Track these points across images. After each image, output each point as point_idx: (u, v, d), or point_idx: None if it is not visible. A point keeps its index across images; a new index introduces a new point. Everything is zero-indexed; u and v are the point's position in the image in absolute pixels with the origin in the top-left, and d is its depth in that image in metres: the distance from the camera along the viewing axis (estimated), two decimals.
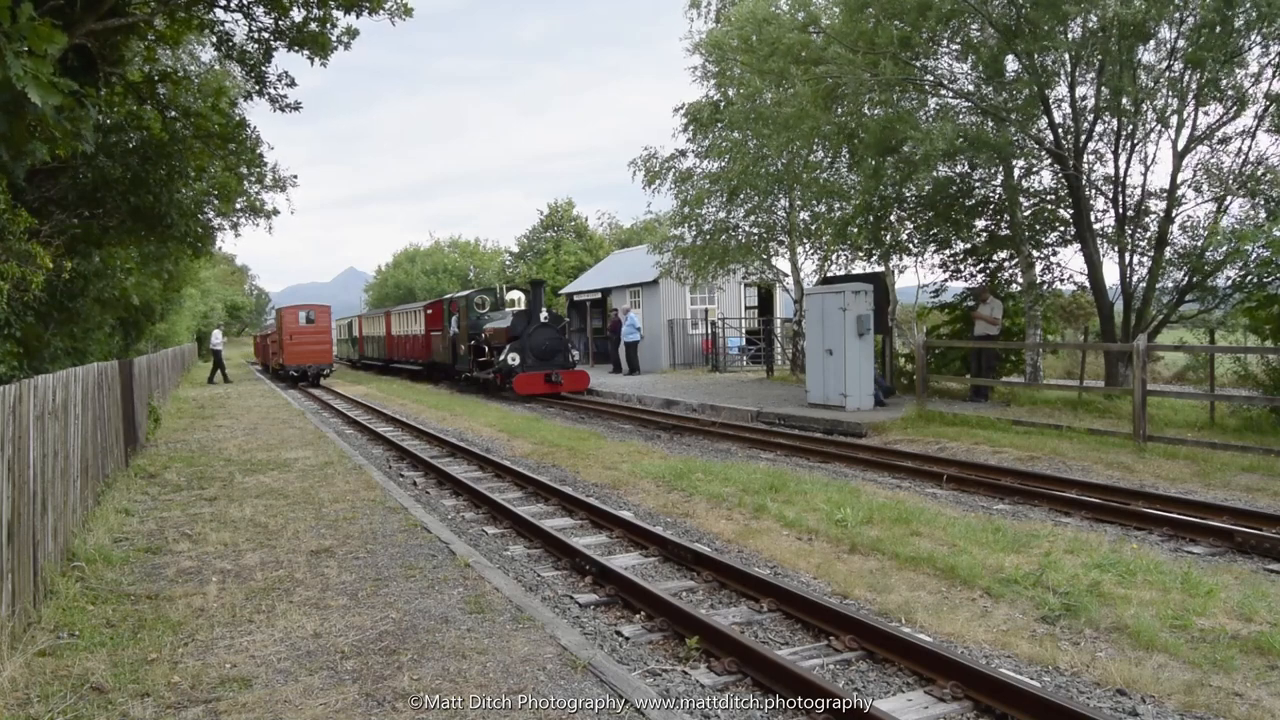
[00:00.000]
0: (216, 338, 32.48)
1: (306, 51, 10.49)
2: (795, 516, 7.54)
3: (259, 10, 10.45)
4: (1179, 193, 13.83)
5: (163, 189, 10.96)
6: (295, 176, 18.77)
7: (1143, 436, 10.40)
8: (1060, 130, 14.08)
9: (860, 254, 18.41)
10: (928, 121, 14.09)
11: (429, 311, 28.42)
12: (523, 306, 22.39)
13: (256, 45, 10.91)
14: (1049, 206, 15.82)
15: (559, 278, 44.68)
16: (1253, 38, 12.52)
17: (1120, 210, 14.27)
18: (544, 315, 20.63)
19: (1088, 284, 14.94)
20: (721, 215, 21.30)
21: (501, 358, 20.48)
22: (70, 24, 7.62)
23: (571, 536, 7.33)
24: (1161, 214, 14.03)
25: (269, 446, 12.68)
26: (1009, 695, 3.95)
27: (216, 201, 14.10)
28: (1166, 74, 13.13)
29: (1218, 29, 11.98)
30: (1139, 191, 14.27)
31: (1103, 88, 13.35)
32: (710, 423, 14.33)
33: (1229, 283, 13.29)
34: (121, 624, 4.99)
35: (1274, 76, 12.80)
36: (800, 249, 21.71)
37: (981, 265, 16.81)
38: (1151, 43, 13.17)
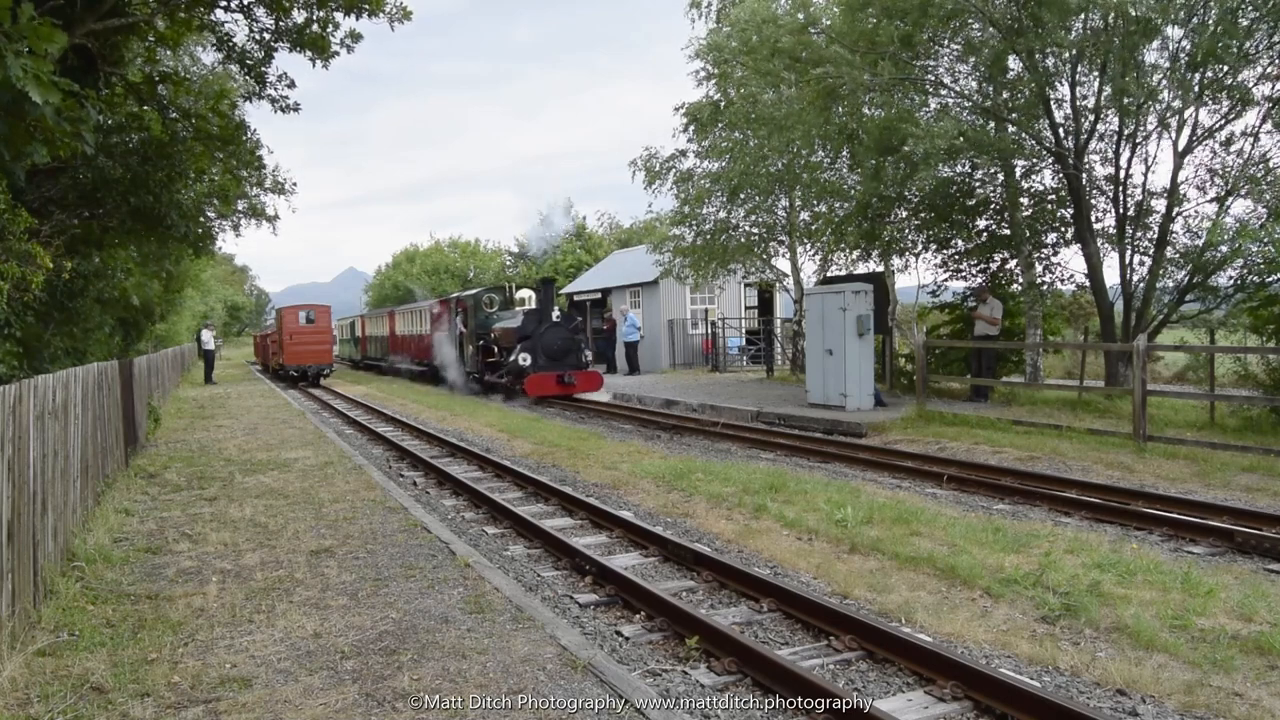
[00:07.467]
0: (206, 338, 31.04)
1: (308, 53, 10.50)
2: (795, 516, 7.54)
3: (260, 11, 10.46)
4: (1180, 192, 13.84)
5: (163, 190, 10.96)
6: (295, 183, 18.93)
7: (1143, 436, 10.39)
8: (1061, 130, 14.08)
9: (860, 254, 18.41)
10: (928, 121, 14.08)
11: (434, 311, 28.28)
12: (532, 305, 22.16)
13: (257, 46, 10.91)
14: (1049, 206, 15.82)
15: (558, 278, 44.68)
16: (1258, 39, 12.51)
17: (1121, 210, 14.27)
18: (555, 314, 20.22)
19: (1088, 284, 14.94)
20: (722, 215, 21.28)
21: (512, 358, 20.13)
22: (70, 24, 7.62)
23: (571, 536, 7.33)
24: (1162, 213, 14.03)
25: (269, 446, 12.68)
26: (1009, 695, 3.95)
27: (217, 203, 14.12)
28: (1169, 73, 13.12)
29: (1223, 29, 11.97)
30: (1140, 191, 14.28)
31: (1104, 87, 13.34)
32: (710, 423, 14.33)
33: (1230, 282, 13.29)
34: (121, 624, 4.99)
35: (1278, 76, 12.80)
36: (800, 249, 21.70)
37: (981, 265, 16.81)
38: (1154, 42, 13.16)
